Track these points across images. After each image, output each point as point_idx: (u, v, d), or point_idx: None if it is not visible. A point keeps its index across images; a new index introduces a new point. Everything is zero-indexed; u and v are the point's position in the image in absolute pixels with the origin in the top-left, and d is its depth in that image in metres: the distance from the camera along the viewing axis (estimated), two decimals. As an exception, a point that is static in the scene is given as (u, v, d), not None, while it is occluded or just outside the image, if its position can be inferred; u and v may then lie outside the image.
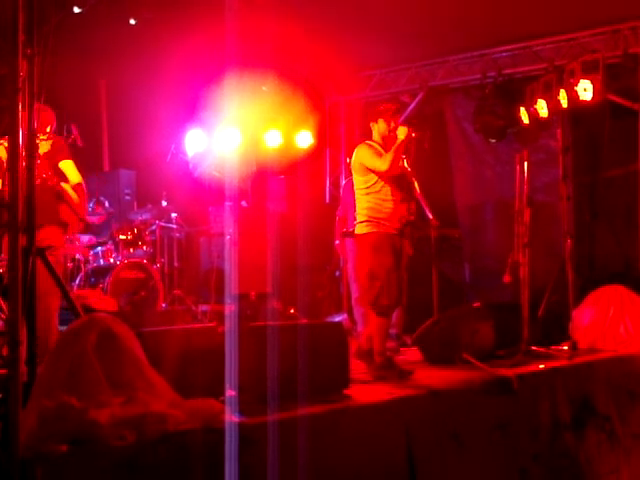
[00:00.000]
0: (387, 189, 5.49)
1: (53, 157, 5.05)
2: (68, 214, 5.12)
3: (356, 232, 5.63)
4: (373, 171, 5.51)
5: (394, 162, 5.41)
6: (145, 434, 3.12)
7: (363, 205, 5.58)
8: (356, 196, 5.69)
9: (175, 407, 3.34)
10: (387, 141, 5.59)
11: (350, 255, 7.40)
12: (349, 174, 7.50)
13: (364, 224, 5.54)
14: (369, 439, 3.95)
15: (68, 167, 5.22)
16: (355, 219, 5.70)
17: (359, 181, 5.63)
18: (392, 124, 5.61)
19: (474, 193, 9.59)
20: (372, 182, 5.53)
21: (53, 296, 4.67)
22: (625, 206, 8.35)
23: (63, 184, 5.11)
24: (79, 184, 5.26)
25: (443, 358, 5.68)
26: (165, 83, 8.32)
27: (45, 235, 4.60)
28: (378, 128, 5.69)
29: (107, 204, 8.36)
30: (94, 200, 8.33)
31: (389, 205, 5.48)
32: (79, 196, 5.18)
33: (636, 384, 6.03)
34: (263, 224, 8.46)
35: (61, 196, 5.03)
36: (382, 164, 5.44)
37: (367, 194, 5.55)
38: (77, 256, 8.02)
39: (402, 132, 5.46)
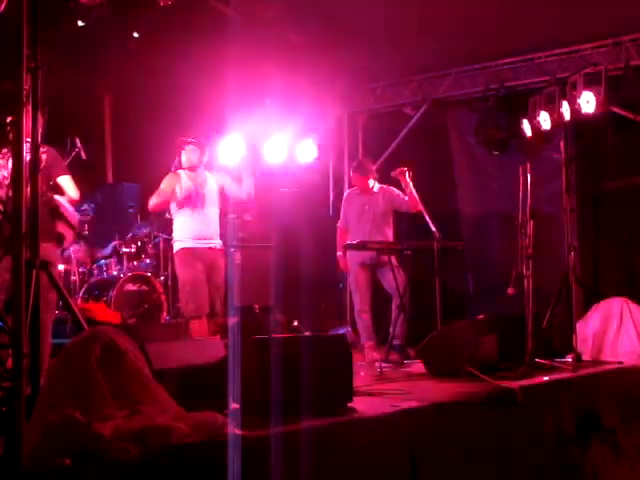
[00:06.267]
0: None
1: (47, 171, 4.90)
2: (64, 228, 5.10)
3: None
4: None
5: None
6: (149, 447, 3.12)
7: None
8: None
9: (179, 420, 3.33)
10: None
11: (351, 267, 7.40)
12: (351, 185, 7.52)
13: None
14: (373, 452, 3.93)
15: (66, 183, 5.18)
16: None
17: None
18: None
19: (477, 205, 9.59)
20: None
21: (48, 312, 4.66)
22: (628, 217, 8.34)
23: (59, 197, 5.08)
24: (76, 200, 5.26)
25: (447, 371, 5.65)
26: (169, 96, 8.34)
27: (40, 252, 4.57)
28: None
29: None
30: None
31: None
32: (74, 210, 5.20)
33: (641, 396, 6.01)
34: (266, 237, 8.47)
35: (56, 212, 4.99)
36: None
37: None
38: (80, 269, 8.03)
39: None
